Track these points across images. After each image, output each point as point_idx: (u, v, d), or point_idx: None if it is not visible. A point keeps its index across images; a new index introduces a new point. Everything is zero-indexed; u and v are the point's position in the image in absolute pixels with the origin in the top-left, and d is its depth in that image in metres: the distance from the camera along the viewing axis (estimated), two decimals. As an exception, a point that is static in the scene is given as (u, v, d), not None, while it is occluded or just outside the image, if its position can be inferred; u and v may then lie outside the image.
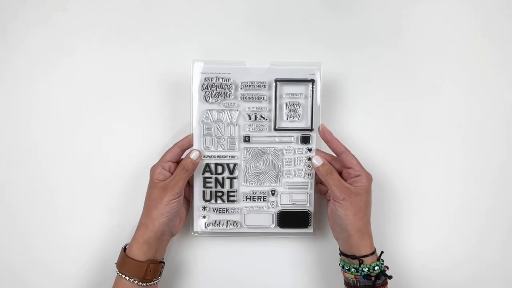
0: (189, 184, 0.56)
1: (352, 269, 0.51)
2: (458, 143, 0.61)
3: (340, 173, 0.54)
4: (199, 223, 0.56)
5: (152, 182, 0.52)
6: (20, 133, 0.60)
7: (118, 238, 0.60)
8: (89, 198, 0.61)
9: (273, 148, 0.55)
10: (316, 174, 0.55)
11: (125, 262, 0.51)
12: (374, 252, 0.52)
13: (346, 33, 0.61)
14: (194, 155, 0.53)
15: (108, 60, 0.60)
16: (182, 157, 0.55)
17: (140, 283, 0.50)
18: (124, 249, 0.52)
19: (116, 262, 0.53)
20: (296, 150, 0.55)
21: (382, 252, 0.53)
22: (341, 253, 0.53)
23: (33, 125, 0.60)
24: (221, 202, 0.56)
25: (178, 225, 0.55)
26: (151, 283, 0.52)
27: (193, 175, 0.55)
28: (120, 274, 0.51)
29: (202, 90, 0.54)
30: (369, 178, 0.52)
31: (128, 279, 0.50)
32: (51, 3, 0.60)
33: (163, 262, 0.54)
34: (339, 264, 0.54)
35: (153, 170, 0.53)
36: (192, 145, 0.54)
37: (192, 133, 0.54)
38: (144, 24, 0.60)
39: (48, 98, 0.60)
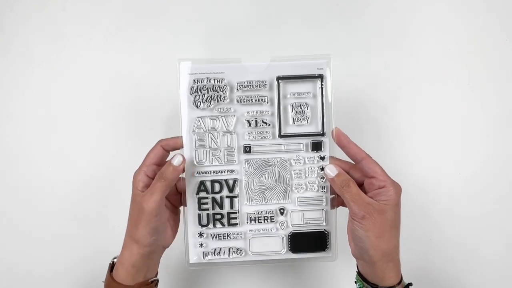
0: (177, 190, 0.48)
1: None
2: (458, 143, 0.61)
3: (361, 185, 0.46)
4: (196, 253, 0.48)
5: (133, 192, 0.45)
6: (19, 132, 0.61)
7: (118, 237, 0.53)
8: (89, 198, 0.61)
9: (279, 159, 0.47)
10: (331, 186, 0.47)
11: (111, 285, 0.45)
12: (400, 282, 0.44)
13: (345, 33, 0.61)
14: (176, 161, 0.44)
15: (107, 61, 0.60)
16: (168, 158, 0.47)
17: None
18: (112, 267, 0.46)
19: (103, 280, 0.46)
20: (306, 159, 0.47)
21: (410, 284, 0.46)
22: (360, 274, 0.46)
23: (33, 124, 0.60)
24: (221, 226, 0.48)
25: (169, 237, 0.47)
26: None
27: (184, 193, 0.47)
28: None
29: (191, 94, 0.46)
30: (397, 189, 0.44)
31: None
32: (51, 3, 0.60)
33: (157, 280, 0.47)
34: (355, 282, 0.47)
35: (134, 176, 0.45)
36: (178, 148, 0.47)
37: (182, 137, 0.46)
38: (143, 23, 0.61)
39: (47, 98, 0.60)
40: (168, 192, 0.44)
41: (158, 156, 0.46)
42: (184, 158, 0.45)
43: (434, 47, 0.61)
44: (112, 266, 0.46)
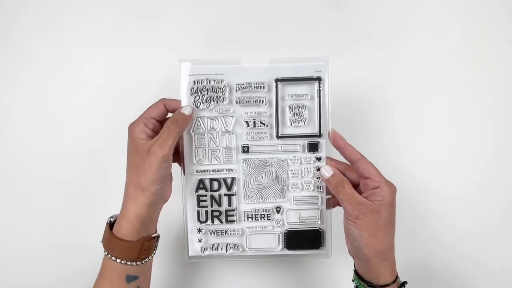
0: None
1: None
2: (458, 143, 0.61)
3: (357, 185, 0.47)
4: (195, 248, 0.50)
5: (135, 142, 0.43)
6: (19, 132, 0.60)
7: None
8: (90, 198, 0.60)
9: (276, 159, 0.48)
10: (327, 186, 0.48)
11: (113, 243, 0.44)
12: (395, 280, 0.45)
13: (345, 33, 0.60)
14: (188, 110, 0.45)
15: (108, 62, 0.60)
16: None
17: (133, 263, 0.44)
18: (110, 226, 0.45)
19: (102, 240, 0.45)
20: (303, 159, 0.48)
21: (405, 283, 0.46)
22: (356, 273, 0.47)
23: (33, 125, 0.60)
24: (219, 223, 0.49)
25: (169, 189, 0.47)
26: (146, 260, 0.45)
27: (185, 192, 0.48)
28: (109, 256, 0.44)
29: (191, 95, 0.47)
30: (391, 189, 0.44)
31: (120, 261, 0.43)
32: (51, 4, 0.59)
33: (158, 235, 0.47)
34: (353, 281, 0.48)
35: (132, 127, 0.44)
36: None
37: (181, 100, 0.47)
38: (142, 25, 0.60)
39: (47, 98, 0.60)
40: (177, 138, 0.44)
41: (159, 112, 0.46)
42: (194, 110, 0.46)
43: (434, 47, 0.60)
44: (111, 224, 0.45)
